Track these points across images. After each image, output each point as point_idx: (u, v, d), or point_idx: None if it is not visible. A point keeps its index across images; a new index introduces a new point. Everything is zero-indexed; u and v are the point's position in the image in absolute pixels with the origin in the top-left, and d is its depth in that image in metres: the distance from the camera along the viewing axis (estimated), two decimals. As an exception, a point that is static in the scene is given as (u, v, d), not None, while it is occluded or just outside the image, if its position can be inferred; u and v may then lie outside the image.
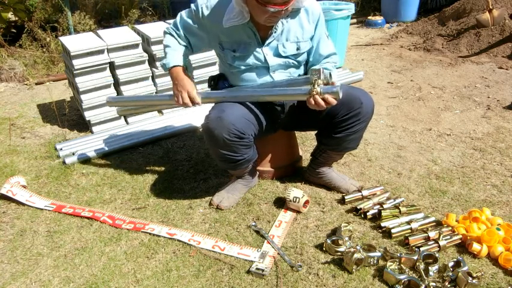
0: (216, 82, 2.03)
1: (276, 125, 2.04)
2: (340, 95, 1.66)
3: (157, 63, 3.00)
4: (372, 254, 1.61)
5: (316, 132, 2.08)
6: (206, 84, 3.23)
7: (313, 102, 1.68)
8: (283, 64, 1.90)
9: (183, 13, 1.94)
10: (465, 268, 1.53)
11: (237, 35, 1.83)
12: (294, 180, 2.22)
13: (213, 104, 1.95)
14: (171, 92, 1.93)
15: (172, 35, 1.96)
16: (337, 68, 2.10)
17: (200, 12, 1.84)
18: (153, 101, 2.19)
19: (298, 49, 1.88)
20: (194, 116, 2.99)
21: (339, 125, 1.88)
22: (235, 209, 2.03)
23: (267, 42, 1.84)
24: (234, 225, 1.92)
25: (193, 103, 1.87)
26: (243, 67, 1.89)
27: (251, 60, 1.87)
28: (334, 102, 1.68)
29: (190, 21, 1.90)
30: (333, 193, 2.11)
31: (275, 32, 1.82)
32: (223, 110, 1.79)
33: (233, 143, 1.79)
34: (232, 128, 1.75)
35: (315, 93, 1.66)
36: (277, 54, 1.88)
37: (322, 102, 1.67)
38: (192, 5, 1.88)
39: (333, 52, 1.94)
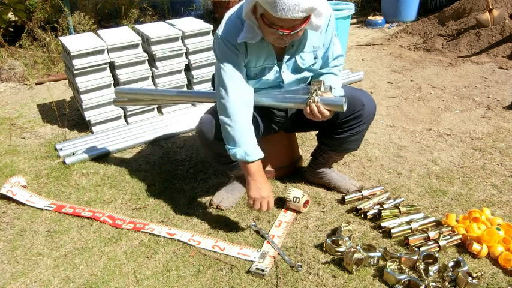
0: None
1: (275, 127, 2.04)
2: (344, 108, 1.65)
3: (158, 64, 3.01)
4: (372, 254, 1.61)
5: (316, 132, 2.08)
6: (206, 85, 3.26)
7: (308, 111, 1.67)
8: (297, 80, 1.85)
9: (220, 64, 1.70)
10: (465, 268, 1.53)
11: (260, 57, 1.74)
12: (294, 180, 2.22)
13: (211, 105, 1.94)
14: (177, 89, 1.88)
15: (235, 104, 1.68)
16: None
17: (224, 43, 1.68)
18: (163, 95, 2.16)
19: (315, 58, 1.82)
20: (194, 116, 2.99)
21: (341, 126, 1.88)
22: (235, 209, 2.03)
23: (285, 58, 1.77)
24: (234, 225, 1.92)
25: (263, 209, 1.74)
26: (257, 85, 1.83)
27: (268, 78, 1.80)
28: (327, 114, 1.66)
29: (228, 57, 1.70)
30: (333, 193, 2.11)
31: (291, 48, 1.75)
32: (216, 113, 1.78)
33: (225, 145, 1.78)
34: None
35: (311, 101, 1.66)
36: (295, 69, 1.81)
37: (317, 112, 1.65)
38: (215, 47, 1.74)
39: (340, 54, 1.90)
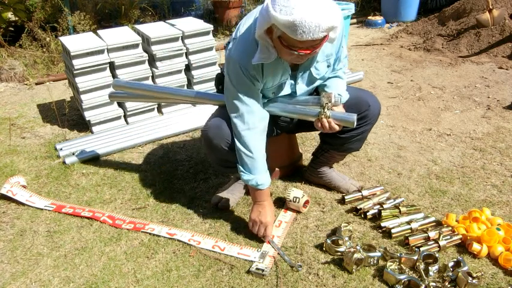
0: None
1: (278, 130, 2.03)
2: (355, 125, 1.68)
3: (158, 64, 3.01)
4: (372, 254, 1.61)
5: (319, 132, 2.08)
6: (206, 85, 3.26)
7: (320, 125, 1.69)
8: (309, 90, 1.85)
9: (230, 85, 1.68)
10: (465, 268, 1.53)
11: (276, 75, 1.71)
12: (294, 180, 2.22)
13: (215, 107, 1.93)
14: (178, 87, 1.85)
15: (251, 130, 1.70)
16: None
17: (243, 71, 1.64)
18: (162, 92, 2.14)
19: (328, 66, 1.80)
20: (194, 116, 2.99)
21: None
22: (235, 209, 2.03)
23: (299, 70, 1.74)
24: (234, 225, 1.92)
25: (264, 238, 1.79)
26: (271, 96, 1.81)
27: (283, 93, 1.79)
28: (337, 129, 1.70)
29: (246, 85, 1.67)
30: (333, 193, 2.11)
31: (306, 61, 1.69)
32: (223, 120, 1.77)
33: (231, 151, 1.78)
34: (231, 139, 1.76)
35: (323, 116, 1.67)
36: (309, 81, 1.80)
37: (328, 127, 1.68)
38: (226, 67, 1.70)
39: (345, 55, 1.90)
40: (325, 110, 1.66)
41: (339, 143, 1.96)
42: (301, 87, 1.81)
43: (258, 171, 1.74)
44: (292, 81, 1.77)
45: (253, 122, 1.70)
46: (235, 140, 1.74)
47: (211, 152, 1.84)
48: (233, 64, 1.65)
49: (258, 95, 1.72)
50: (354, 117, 1.66)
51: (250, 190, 1.82)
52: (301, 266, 1.65)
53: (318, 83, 1.84)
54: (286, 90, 1.79)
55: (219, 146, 1.77)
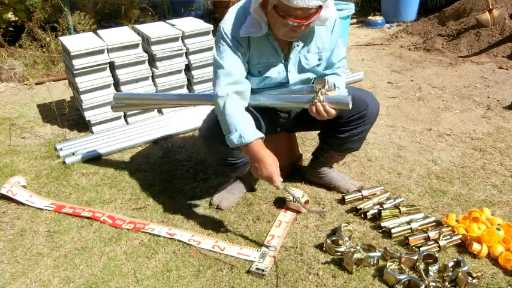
0: None
1: (277, 128, 2.03)
2: (350, 106, 1.65)
3: (158, 64, 3.01)
4: (372, 254, 1.61)
5: (318, 132, 2.08)
6: (206, 85, 3.25)
7: (314, 110, 1.67)
8: (302, 80, 1.86)
9: (217, 55, 1.72)
10: (465, 268, 1.53)
11: (263, 54, 1.75)
12: (294, 180, 2.22)
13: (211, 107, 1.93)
14: (176, 92, 1.89)
15: (229, 96, 1.67)
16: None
17: (226, 36, 1.69)
18: (161, 100, 2.17)
19: (320, 59, 1.83)
20: (194, 116, 2.99)
21: (344, 125, 1.88)
22: (235, 209, 2.03)
23: (290, 57, 1.78)
24: (234, 225, 1.92)
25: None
26: (262, 84, 1.83)
27: (273, 78, 1.81)
28: (333, 113, 1.66)
29: (227, 51, 1.70)
30: (333, 193, 2.11)
31: (297, 46, 1.76)
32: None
33: (230, 149, 1.77)
34: None
35: (316, 101, 1.66)
36: (300, 69, 1.82)
37: (323, 111, 1.65)
38: (216, 38, 1.75)
39: (344, 56, 1.92)
40: (319, 94, 1.65)
41: (338, 143, 1.96)
42: (294, 76, 1.82)
43: (239, 126, 1.62)
44: (284, 68, 1.79)
45: (232, 89, 1.68)
46: (215, 107, 1.71)
47: (209, 149, 1.84)
48: (219, 32, 1.72)
49: (240, 63, 1.71)
50: (348, 98, 1.64)
51: (244, 151, 1.66)
52: (324, 213, 1.69)
53: (310, 75, 1.85)
54: (274, 74, 1.79)
55: (216, 143, 1.76)
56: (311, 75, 1.86)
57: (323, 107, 1.65)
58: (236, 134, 1.61)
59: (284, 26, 1.56)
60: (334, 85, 1.74)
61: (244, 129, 1.62)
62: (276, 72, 1.79)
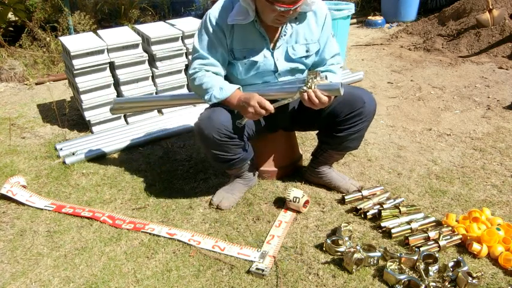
0: None
1: (274, 124, 2.04)
2: (342, 92, 1.65)
3: (158, 64, 3.01)
4: (372, 254, 1.61)
5: (317, 131, 2.08)
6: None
7: (306, 97, 1.67)
8: (292, 69, 1.89)
9: (197, 40, 1.83)
10: (465, 268, 1.53)
11: (248, 40, 1.81)
12: (294, 180, 2.22)
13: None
14: (174, 92, 1.92)
15: (201, 70, 1.81)
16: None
17: (210, 23, 1.79)
18: (160, 101, 2.19)
19: (307, 51, 1.88)
20: (194, 116, 2.99)
21: (341, 124, 1.89)
22: (235, 209, 2.03)
23: (278, 45, 1.84)
24: (234, 225, 1.92)
25: (266, 110, 1.71)
26: (252, 72, 1.87)
27: (261, 65, 1.85)
28: (326, 100, 1.67)
29: (207, 38, 1.80)
30: (333, 193, 2.11)
31: (284, 35, 1.82)
32: (214, 110, 1.80)
33: (224, 143, 1.79)
34: (223, 128, 1.76)
35: (307, 87, 1.67)
36: (287, 58, 1.87)
37: (315, 98, 1.66)
38: (200, 23, 1.84)
39: (337, 52, 1.95)
40: (309, 82, 1.66)
41: (336, 142, 1.96)
42: (282, 64, 1.87)
43: (218, 84, 1.78)
44: (270, 55, 1.84)
45: (205, 68, 1.82)
46: (190, 84, 1.88)
47: (204, 144, 1.85)
48: (203, 20, 1.82)
49: (218, 49, 1.81)
50: (338, 84, 1.65)
51: (227, 104, 1.79)
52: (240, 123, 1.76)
53: (299, 65, 1.89)
54: (260, 57, 1.84)
55: (210, 135, 1.77)
56: (300, 66, 1.90)
57: (314, 93, 1.66)
58: (216, 89, 1.76)
59: (272, 12, 1.63)
60: (326, 77, 1.77)
61: (222, 85, 1.77)
62: (261, 57, 1.84)
